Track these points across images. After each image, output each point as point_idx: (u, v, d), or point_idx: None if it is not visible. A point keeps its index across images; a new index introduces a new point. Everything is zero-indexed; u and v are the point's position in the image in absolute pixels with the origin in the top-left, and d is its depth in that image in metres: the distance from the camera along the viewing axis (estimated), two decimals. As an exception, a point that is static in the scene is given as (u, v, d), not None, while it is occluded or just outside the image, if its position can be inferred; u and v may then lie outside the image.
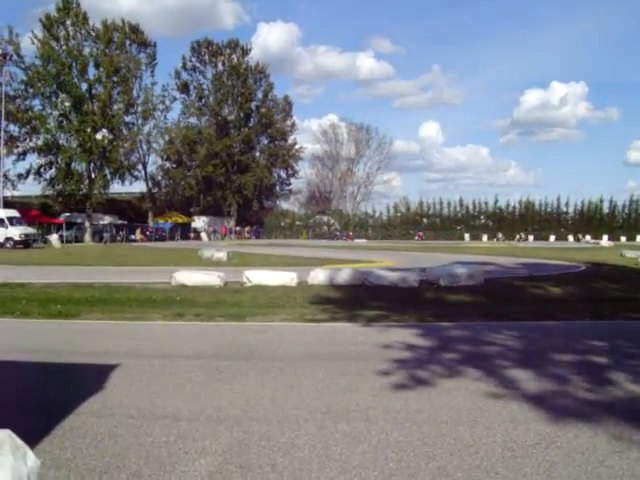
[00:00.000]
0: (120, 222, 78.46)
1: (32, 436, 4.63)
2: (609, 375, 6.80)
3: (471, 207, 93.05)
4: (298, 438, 4.76)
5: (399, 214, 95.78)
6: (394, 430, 4.95)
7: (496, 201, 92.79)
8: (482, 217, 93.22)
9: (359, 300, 13.83)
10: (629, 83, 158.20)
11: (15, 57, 67.60)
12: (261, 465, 4.26)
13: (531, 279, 19.60)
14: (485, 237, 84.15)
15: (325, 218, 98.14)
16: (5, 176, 65.32)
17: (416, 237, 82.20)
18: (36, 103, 71.27)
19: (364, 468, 4.20)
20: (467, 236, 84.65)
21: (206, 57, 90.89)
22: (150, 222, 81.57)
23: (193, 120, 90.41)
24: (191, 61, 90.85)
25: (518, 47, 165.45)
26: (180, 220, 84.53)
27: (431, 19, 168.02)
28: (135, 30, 77.35)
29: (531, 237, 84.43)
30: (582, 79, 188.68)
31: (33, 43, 68.34)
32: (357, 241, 76.04)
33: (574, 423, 5.13)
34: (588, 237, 79.24)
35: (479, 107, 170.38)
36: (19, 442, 2.40)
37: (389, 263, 27.62)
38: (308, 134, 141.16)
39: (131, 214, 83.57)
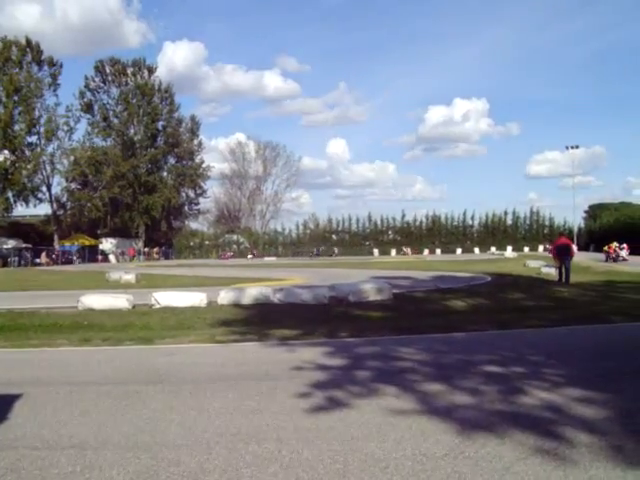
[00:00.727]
0: (25, 246, 76.28)
1: None
2: (514, 384, 6.99)
3: (379, 222, 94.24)
4: (208, 462, 4.71)
5: (308, 231, 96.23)
6: (305, 449, 4.95)
7: (403, 216, 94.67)
8: (390, 232, 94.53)
9: (269, 319, 13.81)
10: (528, 99, 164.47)
11: None
12: (170, 492, 4.21)
13: (439, 291, 19.97)
14: (393, 252, 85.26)
15: (234, 237, 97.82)
16: None
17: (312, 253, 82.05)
18: None
19: (275, 489, 4.20)
20: (376, 251, 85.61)
21: (110, 77, 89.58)
22: (56, 245, 79.60)
23: (98, 140, 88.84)
24: (94, 81, 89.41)
25: (422, 65, 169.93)
26: (87, 242, 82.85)
27: (337, 38, 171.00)
28: (35, 48, 75.56)
29: (438, 250, 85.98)
30: (483, 96, 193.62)
31: None
32: (267, 259, 75.95)
33: (482, 433, 5.24)
34: (493, 249, 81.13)
35: (385, 124, 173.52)
36: None
37: (299, 280, 27.70)
38: (216, 153, 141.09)
39: (36, 237, 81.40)
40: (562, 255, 23.87)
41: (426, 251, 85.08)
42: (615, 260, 43.16)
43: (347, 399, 6.46)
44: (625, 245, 46.99)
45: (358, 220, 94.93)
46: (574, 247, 26.53)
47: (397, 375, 7.63)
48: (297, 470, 4.51)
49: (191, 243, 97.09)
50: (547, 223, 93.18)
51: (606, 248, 46.07)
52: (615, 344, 10.05)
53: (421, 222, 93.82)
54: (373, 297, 17.15)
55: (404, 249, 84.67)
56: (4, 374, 8.65)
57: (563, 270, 23.70)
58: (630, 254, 46.54)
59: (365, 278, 23.38)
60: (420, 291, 20.82)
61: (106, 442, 5.27)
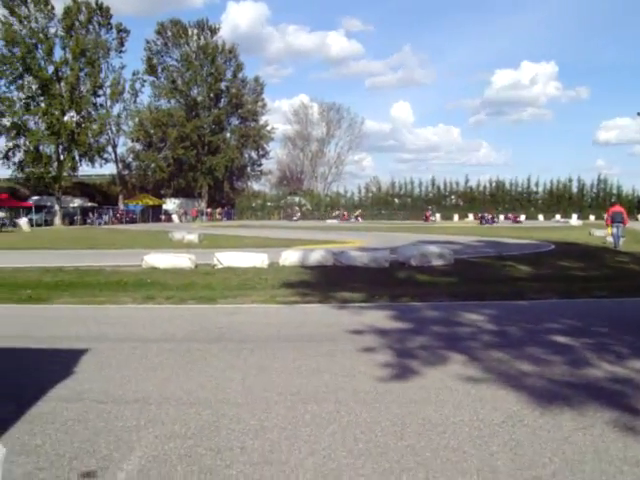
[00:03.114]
0: (90, 205, 77.87)
1: (1, 422, 4.63)
2: (577, 353, 6.90)
3: (442, 187, 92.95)
4: (268, 420, 4.79)
5: (370, 194, 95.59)
6: (363, 411, 4.99)
7: (467, 181, 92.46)
8: (453, 197, 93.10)
9: (330, 281, 13.86)
10: (599, 63, 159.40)
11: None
12: (231, 447, 4.28)
13: (501, 258, 19.73)
14: (456, 217, 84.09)
15: (297, 199, 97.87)
16: (-27, 159, 64.67)
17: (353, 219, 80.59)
18: (2, 84, 70.40)
19: (333, 449, 4.23)
20: (438, 216, 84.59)
21: (172, 38, 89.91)
22: (121, 205, 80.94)
23: (163, 102, 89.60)
24: (157, 44, 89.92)
25: (489, 27, 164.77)
26: (151, 202, 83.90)
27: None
28: (105, 11, 76.15)
29: (501, 216, 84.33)
30: (552, 59, 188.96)
31: (-5, 24, 67.41)
32: (329, 221, 75.80)
33: (541, 401, 5.20)
34: (558, 216, 79.51)
35: (450, 87, 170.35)
36: (-15, 430, 2.39)
37: (360, 243, 27.69)
38: (278, 114, 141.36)
39: (101, 197, 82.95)
40: (615, 222, 23.70)
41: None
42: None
43: (407, 363, 6.47)
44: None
45: (421, 184, 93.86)
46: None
47: (458, 341, 7.61)
48: (355, 431, 4.55)
49: (253, 204, 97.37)
50: (614, 191, 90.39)
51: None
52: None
53: (484, 187, 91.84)
54: (435, 262, 17.05)
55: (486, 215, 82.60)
56: (72, 329, 8.91)
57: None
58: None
59: (426, 242, 23.26)
60: (482, 257, 20.61)
61: (169, 398, 5.39)
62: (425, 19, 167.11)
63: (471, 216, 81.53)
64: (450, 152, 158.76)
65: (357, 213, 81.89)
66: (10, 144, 71.29)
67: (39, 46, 69.36)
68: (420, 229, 47.58)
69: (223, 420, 4.80)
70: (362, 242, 28.65)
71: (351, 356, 6.81)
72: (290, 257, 17.43)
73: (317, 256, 17.51)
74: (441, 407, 5.06)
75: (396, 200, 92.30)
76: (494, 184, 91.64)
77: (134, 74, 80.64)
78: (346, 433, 4.52)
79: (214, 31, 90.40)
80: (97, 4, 74.79)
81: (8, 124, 69.97)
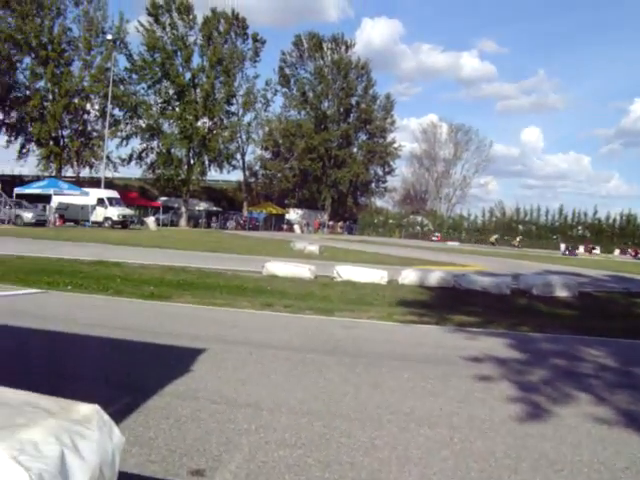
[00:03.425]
0: (215, 209, 79.92)
1: (117, 412, 4.75)
2: None
3: (570, 216, 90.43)
4: (379, 438, 4.72)
5: (494, 219, 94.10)
6: (478, 439, 4.84)
7: (595, 212, 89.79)
8: (579, 228, 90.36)
9: (449, 303, 13.64)
10: None
11: (122, 45, 70.15)
12: (340, 462, 4.24)
13: (629, 294, 18.94)
14: (582, 248, 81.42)
15: (419, 218, 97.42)
16: (108, 158, 67.53)
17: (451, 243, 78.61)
18: (141, 88, 73.49)
19: (444, 475, 4.12)
20: (562, 246, 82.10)
21: (307, 51, 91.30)
22: (245, 211, 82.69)
23: (293, 113, 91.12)
24: (292, 55, 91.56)
25: (627, 53, 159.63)
26: (274, 211, 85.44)
27: (538, 23, 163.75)
28: (241, 22, 78.18)
29: (617, 251, 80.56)
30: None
31: (138, 31, 70.54)
32: (449, 243, 74.96)
33: (668, 449, 4.91)
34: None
35: (583, 114, 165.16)
36: (106, 418, 2.44)
37: (482, 268, 27.22)
38: (406, 132, 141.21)
39: (226, 202, 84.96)
40: None
41: (617, 251, 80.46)
42: None
43: (524, 394, 6.26)
44: None
45: (547, 212, 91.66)
46: None
47: (579, 377, 7.30)
48: (468, 459, 4.42)
49: (375, 220, 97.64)
50: None
51: None
52: None
53: (614, 220, 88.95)
54: (558, 293, 16.54)
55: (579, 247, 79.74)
56: (191, 328, 9.10)
57: None
58: None
59: (549, 272, 22.66)
60: (608, 291, 19.83)
61: (281, 405, 5.40)
62: (561, 43, 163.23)
63: (597, 249, 78.61)
64: (579, 181, 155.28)
65: (518, 240, 79.74)
66: (144, 145, 74.22)
67: (178, 53, 71.93)
68: (545, 258, 46.34)
69: (334, 433, 4.76)
70: (483, 267, 28.14)
71: (467, 381, 6.65)
72: (409, 276, 17.29)
73: (437, 277, 17.32)
74: (559, 444, 4.85)
75: (520, 227, 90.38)
76: (625, 217, 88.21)
77: (267, 84, 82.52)
78: (459, 460, 4.40)
79: (349, 46, 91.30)
80: (234, 15, 76.88)
81: (144, 125, 72.82)
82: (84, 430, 2.26)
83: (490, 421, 5.33)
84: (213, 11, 75.44)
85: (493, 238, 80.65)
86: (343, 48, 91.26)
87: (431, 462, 4.32)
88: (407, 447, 4.57)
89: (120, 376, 6.12)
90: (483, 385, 6.53)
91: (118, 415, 4.70)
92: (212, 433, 4.60)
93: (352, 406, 5.51)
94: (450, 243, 76.05)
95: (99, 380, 5.88)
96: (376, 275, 16.97)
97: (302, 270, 17.09)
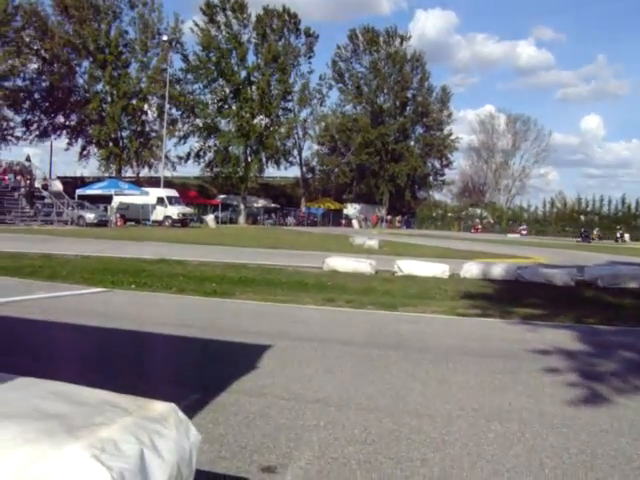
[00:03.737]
0: (273, 205, 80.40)
1: (187, 409, 4.77)
2: None
3: (633, 206, 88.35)
4: (449, 434, 4.65)
5: (555, 210, 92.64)
6: (550, 435, 4.74)
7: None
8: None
9: (512, 297, 13.44)
10: None
11: (178, 45, 71.25)
12: (411, 458, 4.19)
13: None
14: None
15: (478, 211, 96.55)
16: (166, 157, 68.47)
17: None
18: (197, 87, 74.37)
19: (517, 472, 4.04)
20: (627, 237, 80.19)
21: (362, 45, 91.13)
22: (303, 207, 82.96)
23: (349, 108, 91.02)
24: (347, 50, 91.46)
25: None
26: (332, 206, 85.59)
27: (595, 6, 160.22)
28: (293, 18, 78.40)
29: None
30: None
31: (193, 31, 71.47)
32: (510, 235, 73.84)
33: None
34: None
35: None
36: (182, 416, 2.45)
37: (544, 260, 26.83)
38: (463, 124, 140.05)
39: (284, 199, 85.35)
40: None
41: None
42: None
43: (595, 388, 6.12)
44: None
45: (610, 202, 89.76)
46: None
47: (652, 369, 7.15)
48: (541, 455, 4.32)
49: (433, 214, 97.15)
50: None
51: None
52: None
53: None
54: (625, 284, 16.16)
55: None
56: (255, 325, 9.15)
57: None
58: None
59: (614, 263, 22.23)
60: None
61: (349, 401, 5.37)
62: (621, 27, 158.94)
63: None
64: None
65: (595, 232, 75.80)
66: (201, 144, 75.07)
67: (233, 51, 72.54)
68: (609, 249, 45.47)
69: (404, 429, 4.71)
70: (546, 259, 27.72)
71: (536, 376, 6.54)
72: (471, 269, 17.13)
73: (499, 270, 17.12)
74: (635, 440, 4.70)
75: (582, 217, 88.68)
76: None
77: (321, 78, 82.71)
78: (531, 456, 4.31)
79: (404, 39, 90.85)
80: (284, 10, 77.14)
81: (201, 124, 73.69)
82: (162, 428, 2.27)
83: (562, 416, 5.21)
84: (265, 9, 75.79)
85: (594, 233, 76.86)
86: (398, 41, 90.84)
87: (503, 458, 4.25)
88: (478, 443, 4.51)
89: (188, 373, 6.17)
90: (552, 379, 6.41)
91: (188, 412, 4.70)
92: (281, 429, 4.60)
93: (420, 402, 5.45)
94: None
95: (167, 377, 5.94)
96: (437, 269, 16.85)
97: (363, 265, 17.04)
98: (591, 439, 4.69)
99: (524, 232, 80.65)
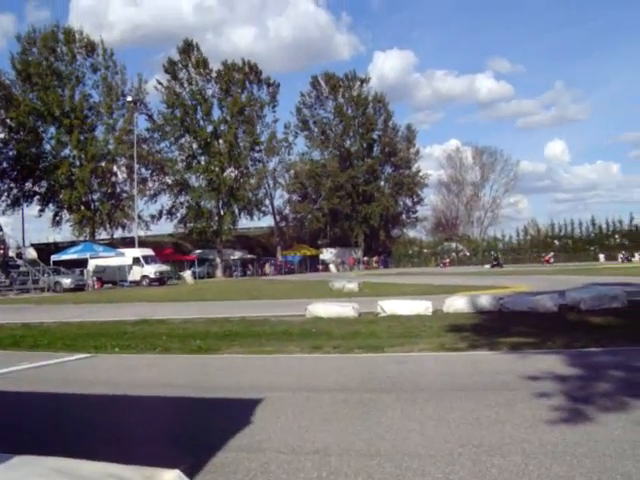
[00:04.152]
0: (249, 256, 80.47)
1: (185, 472, 4.68)
2: None
3: (604, 226, 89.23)
4: (454, 473, 4.59)
5: (529, 237, 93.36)
6: (554, 464, 4.68)
7: (632, 219, 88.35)
8: (617, 236, 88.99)
9: (498, 327, 13.42)
10: None
11: (142, 106, 71.84)
12: (419, 502, 4.13)
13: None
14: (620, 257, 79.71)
15: (453, 244, 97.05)
16: (139, 217, 68.41)
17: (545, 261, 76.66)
18: (164, 145, 74.84)
19: (527, 505, 4.00)
20: (602, 257, 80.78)
21: (325, 90, 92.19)
22: (279, 256, 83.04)
23: (316, 154, 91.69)
24: (310, 96, 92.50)
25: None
26: (308, 252, 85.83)
27: (550, 35, 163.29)
28: (254, 69, 79.32)
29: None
30: None
31: (157, 89, 72.10)
32: (486, 266, 73.92)
33: None
34: None
35: (607, 121, 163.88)
36: (188, 482, 2.39)
37: (523, 288, 26.87)
38: (430, 160, 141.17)
39: (260, 249, 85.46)
40: None
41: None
42: None
43: (592, 412, 6.09)
44: None
45: (581, 224, 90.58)
46: None
47: (646, 388, 7.13)
48: (548, 486, 4.29)
49: (409, 251, 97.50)
50: None
51: None
52: None
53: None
54: (606, 305, 16.22)
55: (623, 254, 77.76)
56: (243, 378, 9.07)
57: None
58: None
59: (593, 285, 22.33)
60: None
61: (348, 449, 5.29)
62: (577, 53, 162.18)
63: (638, 256, 76.91)
64: (610, 189, 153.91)
65: (550, 255, 77.88)
66: (173, 200, 75.33)
67: (198, 107, 73.20)
68: (586, 271, 45.75)
69: (407, 473, 4.64)
70: (526, 287, 27.77)
71: (531, 405, 6.50)
72: (454, 304, 17.11)
73: (482, 302, 17.14)
74: (639, 462, 4.69)
75: (556, 242, 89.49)
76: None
77: (286, 127, 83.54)
78: (539, 488, 4.27)
79: (364, 81, 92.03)
80: (244, 63, 78.22)
81: (170, 182, 74.00)
82: (169, 497, 2.21)
83: (563, 444, 5.17)
84: (224, 64, 76.56)
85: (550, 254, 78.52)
86: (359, 84, 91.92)
87: (510, 493, 4.20)
88: (483, 479, 4.45)
89: (181, 435, 6.06)
90: (548, 407, 6.37)
91: (186, 475, 4.65)
92: (283, 485, 4.52)
93: (420, 442, 5.39)
94: (486, 266, 74.75)
95: (162, 440, 5.84)
96: (420, 306, 16.80)
97: (345, 309, 16.98)
98: (595, 465, 4.64)
99: (375, 265, 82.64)
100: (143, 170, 73.09)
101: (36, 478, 2.20)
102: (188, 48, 73.73)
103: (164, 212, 75.48)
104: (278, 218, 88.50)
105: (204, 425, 6.38)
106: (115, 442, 5.78)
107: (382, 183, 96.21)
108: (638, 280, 29.25)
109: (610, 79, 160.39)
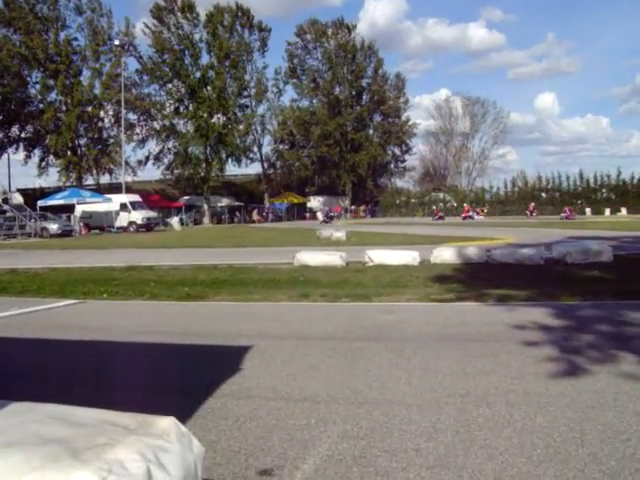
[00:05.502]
0: (237, 204, 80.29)
1: (176, 418, 4.74)
2: None
3: (592, 180, 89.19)
4: (440, 422, 4.68)
5: (516, 189, 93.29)
6: (538, 414, 4.79)
7: (619, 173, 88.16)
8: (604, 190, 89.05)
9: (485, 279, 13.53)
10: None
11: (131, 48, 70.75)
12: (405, 449, 4.20)
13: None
14: (607, 211, 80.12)
15: (441, 195, 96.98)
16: (126, 163, 67.94)
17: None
18: (152, 89, 74.05)
19: (511, 454, 4.07)
20: (588, 210, 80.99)
21: (312, 39, 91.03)
22: (266, 203, 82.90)
23: (306, 101, 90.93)
24: (297, 46, 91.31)
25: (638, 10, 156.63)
26: (296, 200, 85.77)
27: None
28: (246, 14, 78.15)
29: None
30: None
31: (145, 34, 71.00)
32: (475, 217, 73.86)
33: None
34: None
35: (598, 75, 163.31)
36: (184, 429, 2.43)
37: (511, 240, 27.00)
38: (419, 110, 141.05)
39: (247, 196, 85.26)
40: None
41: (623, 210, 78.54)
42: None
43: (576, 364, 6.19)
44: None
45: (568, 178, 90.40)
46: None
47: (630, 341, 7.22)
48: (532, 436, 4.37)
49: (397, 201, 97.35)
50: None
51: None
52: None
53: (639, 180, 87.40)
54: (592, 259, 16.33)
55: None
56: (233, 325, 9.14)
57: None
58: None
59: (579, 238, 22.47)
60: (641, 252, 19.56)
61: (336, 396, 5.38)
62: (570, 4, 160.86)
63: (624, 210, 77.36)
64: (599, 143, 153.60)
65: (532, 207, 77.00)
66: (161, 146, 74.75)
67: (186, 52, 72.27)
68: (571, 225, 45.91)
69: (394, 421, 4.73)
70: (512, 238, 27.91)
71: (517, 357, 6.59)
72: (441, 254, 17.21)
73: (469, 253, 17.25)
74: (621, 413, 4.77)
75: (543, 195, 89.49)
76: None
77: (276, 72, 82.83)
78: (523, 438, 4.35)
79: (351, 29, 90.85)
80: (237, 7, 76.88)
81: (158, 127, 73.34)
82: (165, 444, 2.25)
83: (547, 395, 5.27)
84: (216, 7, 75.49)
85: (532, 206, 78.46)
86: (346, 32, 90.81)
87: (495, 442, 4.28)
88: (469, 429, 4.54)
89: (171, 381, 6.14)
90: (534, 359, 6.46)
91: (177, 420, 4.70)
92: (273, 431, 4.59)
93: (407, 391, 5.47)
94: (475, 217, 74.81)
95: (152, 387, 5.91)
96: (408, 256, 16.87)
97: (333, 258, 17.04)
98: (578, 415, 4.75)
99: (362, 214, 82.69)
100: (131, 115, 72.46)
101: (34, 424, 2.23)
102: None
103: (151, 158, 75.04)
104: (266, 165, 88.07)
105: (194, 372, 6.44)
106: (107, 388, 5.84)
107: (371, 132, 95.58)
108: (621, 234, 29.50)
109: (603, 33, 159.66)
